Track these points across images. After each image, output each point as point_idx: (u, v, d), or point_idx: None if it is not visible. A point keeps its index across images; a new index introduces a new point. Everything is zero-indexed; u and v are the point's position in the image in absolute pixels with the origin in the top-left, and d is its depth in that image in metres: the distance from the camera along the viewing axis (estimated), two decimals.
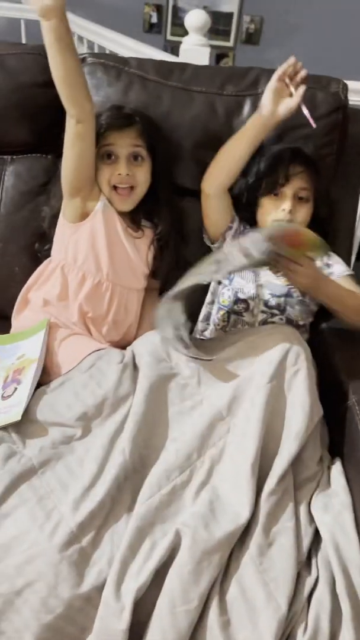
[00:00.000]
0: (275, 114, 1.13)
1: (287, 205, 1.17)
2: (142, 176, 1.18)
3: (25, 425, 0.95)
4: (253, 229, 1.04)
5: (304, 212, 1.20)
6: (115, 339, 1.21)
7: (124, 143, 1.15)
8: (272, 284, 1.20)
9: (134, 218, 1.24)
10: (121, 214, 1.21)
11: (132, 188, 1.18)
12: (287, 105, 1.13)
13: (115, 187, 1.17)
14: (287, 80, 1.13)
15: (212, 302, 1.26)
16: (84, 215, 1.18)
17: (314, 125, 1.14)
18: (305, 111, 1.13)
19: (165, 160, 1.23)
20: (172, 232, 1.26)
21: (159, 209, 1.24)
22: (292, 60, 1.13)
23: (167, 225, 1.25)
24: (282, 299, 1.20)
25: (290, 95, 1.13)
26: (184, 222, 1.30)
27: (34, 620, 0.77)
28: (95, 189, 1.18)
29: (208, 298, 1.27)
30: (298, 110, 1.14)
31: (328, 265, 1.24)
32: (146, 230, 1.25)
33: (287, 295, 1.20)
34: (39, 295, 1.21)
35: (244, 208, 1.25)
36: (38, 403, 0.99)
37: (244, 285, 1.21)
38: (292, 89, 1.12)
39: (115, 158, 1.16)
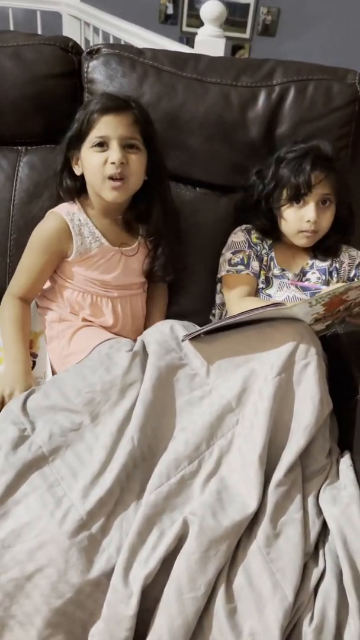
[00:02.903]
0: None
1: (311, 216, 1.16)
2: (136, 166, 1.08)
3: (34, 408, 0.96)
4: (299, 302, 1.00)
5: (328, 217, 1.19)
6: (124, 336, 1.21)
7: (118, 130, 1.05)
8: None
9: (128, 223, 1.19)
10: (114, 219, 1.17)
11: (124, 179, 1.08)
12: None
13: (107, 178, 1.07)
14: None
15: None
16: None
17: None
18: None
19: (160, 155, 1.16)
20: (165, 232, 1.20)
21: (150, 207, 1.17)
22: None
23: (159, 224, 1.19)
24: None
25: None
26: (195, 215, 1.30)
27: (44, 605, 0.79)
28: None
29: None
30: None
31: None
32: (141, 241, 1.20)
33: None
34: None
35: (264, 216, 1.23)
36: (47, 387, 1.00)
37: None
38: None
39: (107, 146, 1.06)
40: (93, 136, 1.07)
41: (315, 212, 1.16)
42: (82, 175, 1.13)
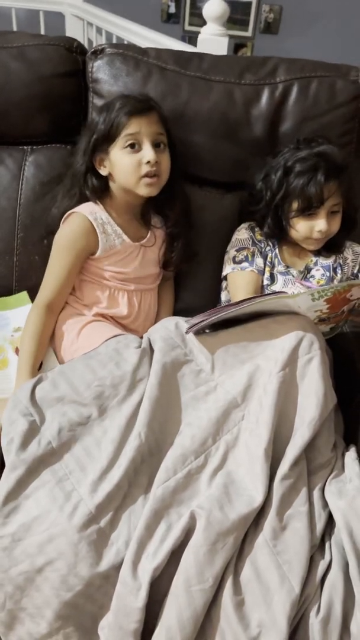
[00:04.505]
0: None
1: (323, 227, 1.16)
2: (166, 163, 1.14)
3: (42, 398, 0.96)
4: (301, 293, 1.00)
5: (337, 222, 1.20)
6: (134, 329, 1.23)
7: (148, 130, 1.10)
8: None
9: (144, 215, 1.23)
10: (132, 215, 1.21)
11: (158, 176, 1.12)
12: None
13: (141, 176, 1.11)
14: None
15: None
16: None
17: None
18: None
19: (177, 150, 1.20)
20: (183, 221, 1.25)
21: (171, 200, 1.22)
22: None
23: (179, 215, 1.24)
24: None
25: None
26: (199, 212, 1.31)
27: (54, 598, 0.80)
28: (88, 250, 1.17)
29: None
30: None
31: None
32: (156, 232, 1.25)
33: None
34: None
35: (272, 223, 1.23)
36: (56, 377, 1.00)
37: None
38: None
39: (139, 147, 1.10)
40: (124, 138, 1.10)
41: (327, 223, 1.16)
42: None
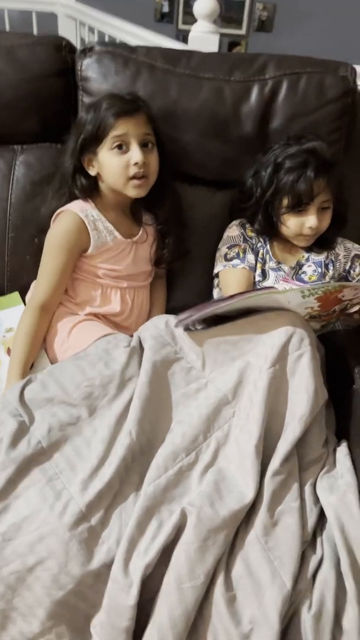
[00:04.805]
0: None
1: (313, 223, 1.16)
2: (154, 164, 1.14)
3: (32, 399, 0.96)
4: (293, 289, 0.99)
5: (327, 218, 1.20)
6: (127, 327, 1.23)
7: (136, 131, 1.10)
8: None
9: (135, 212, 1.23)
10: (123, 212, 1.21)
11: (146, 177, 1.13)
12: None
13: (129, 178, 1.12)
14: None
15: None
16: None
17: None
18: None
19: (166, 148, 1.19)
20: (174, 219, 1.25)
21: (161, 199, 1.22)
22: None
23: (169, 213, 1.24)
24: None
25: None
26: (190, 211, 1.31)
27: (45, 597, 0.80)
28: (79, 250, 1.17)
29: None
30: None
31: (358, 257, 1.28)
32: (148, 229, 1.25)
33: None
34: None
35: (263, 220, 1.23)
36: (45, 378, 1.00)
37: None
38: None
39: (127, 148, 1.10)
40: (112, 139, 1.10)
41: (317, 219, 1.16)
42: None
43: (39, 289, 1.16)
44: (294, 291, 0.95)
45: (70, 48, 1.31)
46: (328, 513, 0.87)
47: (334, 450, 0.99)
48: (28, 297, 1.27)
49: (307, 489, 0.91)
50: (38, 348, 1.14)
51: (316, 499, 0.91)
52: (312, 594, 0.80)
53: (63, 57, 1.29)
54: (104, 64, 1.27)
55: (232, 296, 0.98)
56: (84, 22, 2.72)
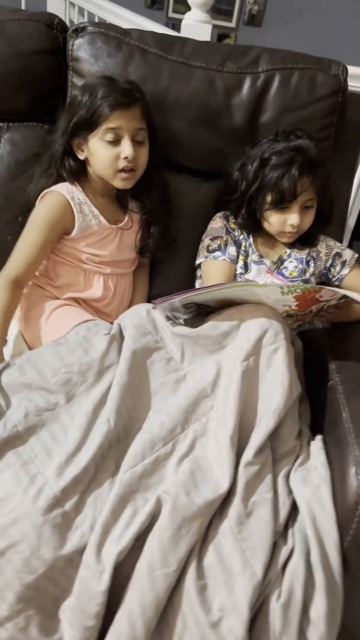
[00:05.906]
0: None
1: (295, 221, 1.17)
2: (144, 158, 1.14)
3: (9, 384, 0.95)
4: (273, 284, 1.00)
5: (310, 218, 1.21)
6: (107, 313, 1.22)
7: (130, 125, 1.09)
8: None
9: (121, 199, 1.23)
10: (109, 198, 1.21)
11: (134, 170, 1.13)
12: None
13: (118, 170, 1.12)
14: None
15: None
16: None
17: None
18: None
19: (158, 138, 1.19)
20: (161, 209, 1.25)
21: (149, 188, 1.22)
22: None
23: (156, 203, 1.24)
24: None
25: None
26: (176, 200, 1.30)
27: (16, 580, 0.79)
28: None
29: None
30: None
31: (339, 255, 1.28)
32: (133, 216, 1.25)
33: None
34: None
35: (246, 214, 1.23)
36: (23, 363, 0.99)
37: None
38: None
39: (118, 141, 1.10)
40: (104, 131, 1.09)
41: (299, 218, 1.17)
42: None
43: (14, 262, 1.12)
44: (273, 287, 0.96)
45: (62, 26, 1.29)
46: (301, 505, 0.88)
47: (308, 443, 1.00)
48: None
49: (280, 480, 0.92)
50: (9, 323, 1.11)
51: (289, 491, 0.92)
52: (281, 583, 0.81)
53: (54, 35, 1.27)
54: (96, 45, 1.25)
55: (211, 286, 0.98)
56: (73, 2, 2.67)
